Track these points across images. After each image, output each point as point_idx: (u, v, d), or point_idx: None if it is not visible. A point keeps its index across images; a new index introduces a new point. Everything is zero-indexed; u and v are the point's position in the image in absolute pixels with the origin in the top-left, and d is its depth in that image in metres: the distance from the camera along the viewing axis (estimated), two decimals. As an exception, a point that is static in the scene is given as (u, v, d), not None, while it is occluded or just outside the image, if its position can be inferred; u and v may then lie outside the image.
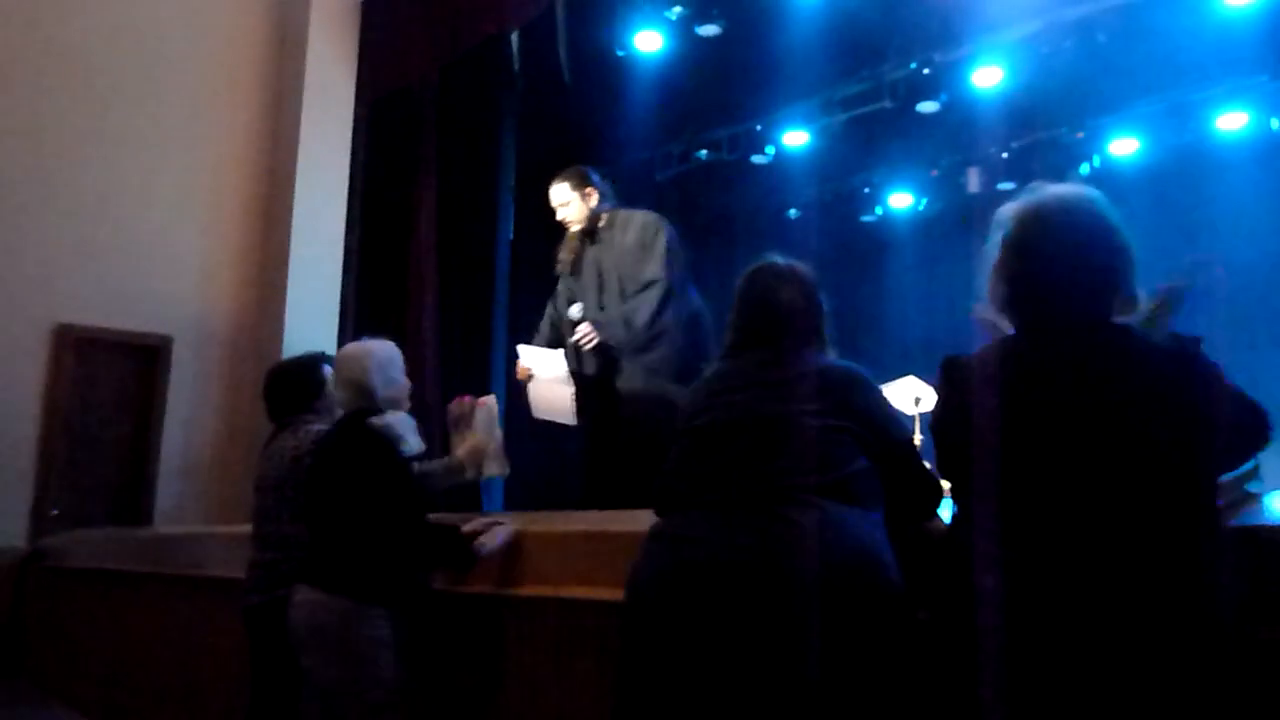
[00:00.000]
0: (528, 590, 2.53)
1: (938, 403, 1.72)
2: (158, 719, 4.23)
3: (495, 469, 3.27)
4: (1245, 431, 1.53)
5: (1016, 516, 1.45)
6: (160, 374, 6.21)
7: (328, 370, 3.08)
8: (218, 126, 6.56)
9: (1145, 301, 2.08)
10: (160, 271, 6.27)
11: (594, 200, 3.89)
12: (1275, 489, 1.98)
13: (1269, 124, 6.71)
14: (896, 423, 1.92)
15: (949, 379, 1.68)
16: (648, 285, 3.72)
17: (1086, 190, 1.66)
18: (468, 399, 3.40)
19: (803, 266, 2.08)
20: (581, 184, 3.89)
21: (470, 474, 3.11)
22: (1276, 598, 1.44)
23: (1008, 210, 1.68)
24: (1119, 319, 1.58)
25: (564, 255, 4.02)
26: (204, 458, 6.25)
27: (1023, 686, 1.37)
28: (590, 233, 3.93)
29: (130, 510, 6.11)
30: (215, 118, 6.55)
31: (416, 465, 2.90)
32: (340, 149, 6.60)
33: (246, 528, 3.83)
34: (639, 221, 3.85)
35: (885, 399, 1.96)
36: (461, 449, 3.10)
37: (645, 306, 3.68)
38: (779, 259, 2.09)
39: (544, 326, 4.06)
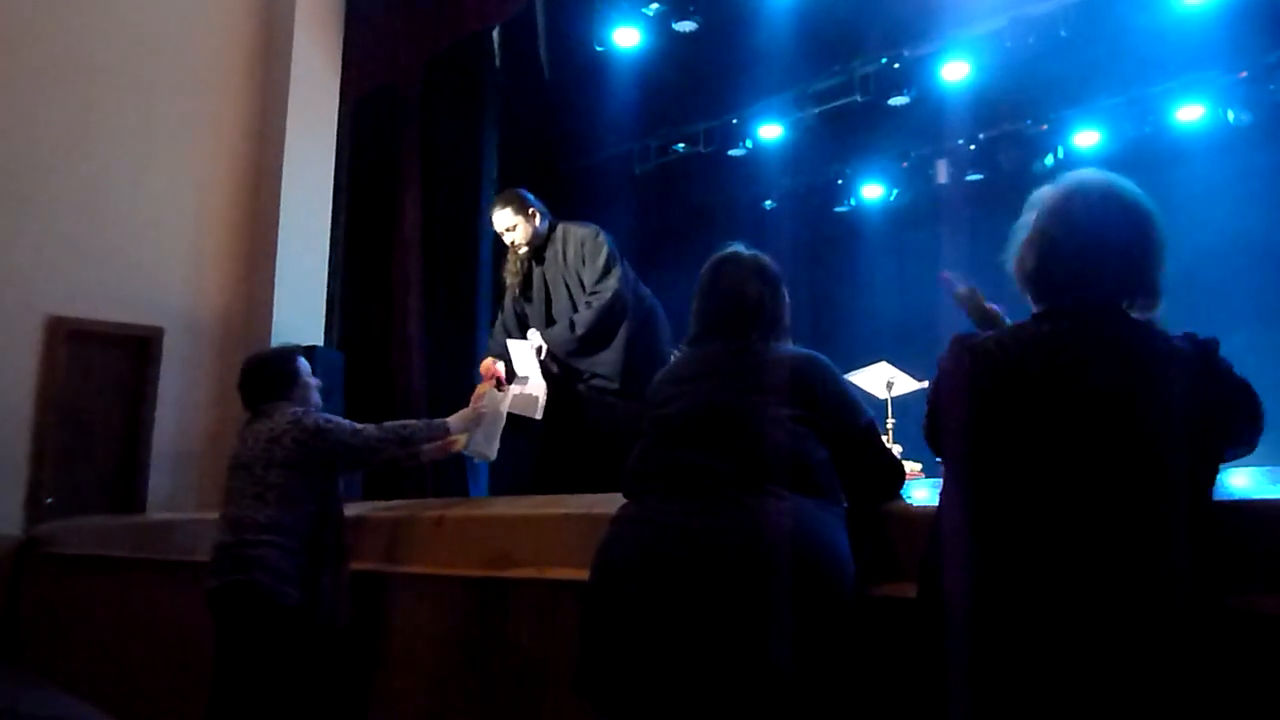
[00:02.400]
0: (514, 572, 2.56)
1: (942, 379, 1.68)
2: (153, 701, 4.29)
3: (484, 450, 3.38)
4: (1255, 425, 1.53)
5: (1014, 496, 1.46)
6: (151, 364, 6.30)
7: (302, 363, 3.16)
8: (205, 123, 6.64)
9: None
10: (150, 264, 6.36)
11: (537, 220, 3.92)
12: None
13: (1225, 116, 6.87)
14: (858, 407, 1.95)
15: (960, 357, 1.64)
16: (595, 294, 3.79)
17: (1124, 180, 1.63)
18: (495, 372, 3.51)
19: (766, 257, 2.09)
20: (523, 206, 3.91)
21: (456, 438, 3.20)
22: (1239, 569, 1.48)
23: (1047, 189, 1.66)
24: (1142, 311, 1.57)
25: (511, 279, 4.04)
26: (195, 445, 6.36)
27: (1011, 664, 1.38)
28: (536, 253, 3.97)
29: (124, 497, 6.20)
30: (203, 114, 6.64)
31: (399, 422, 3.02)
32: (325, 145, 6.68)
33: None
34: (578, 237, 3.90)
35: (847, 385, 1.99)
36: (456, 414, 3.22)
37: (591, 313, 3.75)
38: (743, 249, 2.09)
39: (493, 346, 4.02)
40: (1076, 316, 1.55)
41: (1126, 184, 1.61)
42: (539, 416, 3.66)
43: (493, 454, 3.42)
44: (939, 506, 1.63)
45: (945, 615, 1.47)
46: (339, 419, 3.01)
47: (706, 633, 1.65)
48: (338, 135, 6.75)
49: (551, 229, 3.98)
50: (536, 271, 4.00)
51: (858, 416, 1.94)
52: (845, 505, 1.86)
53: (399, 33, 6.51)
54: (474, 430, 3.27)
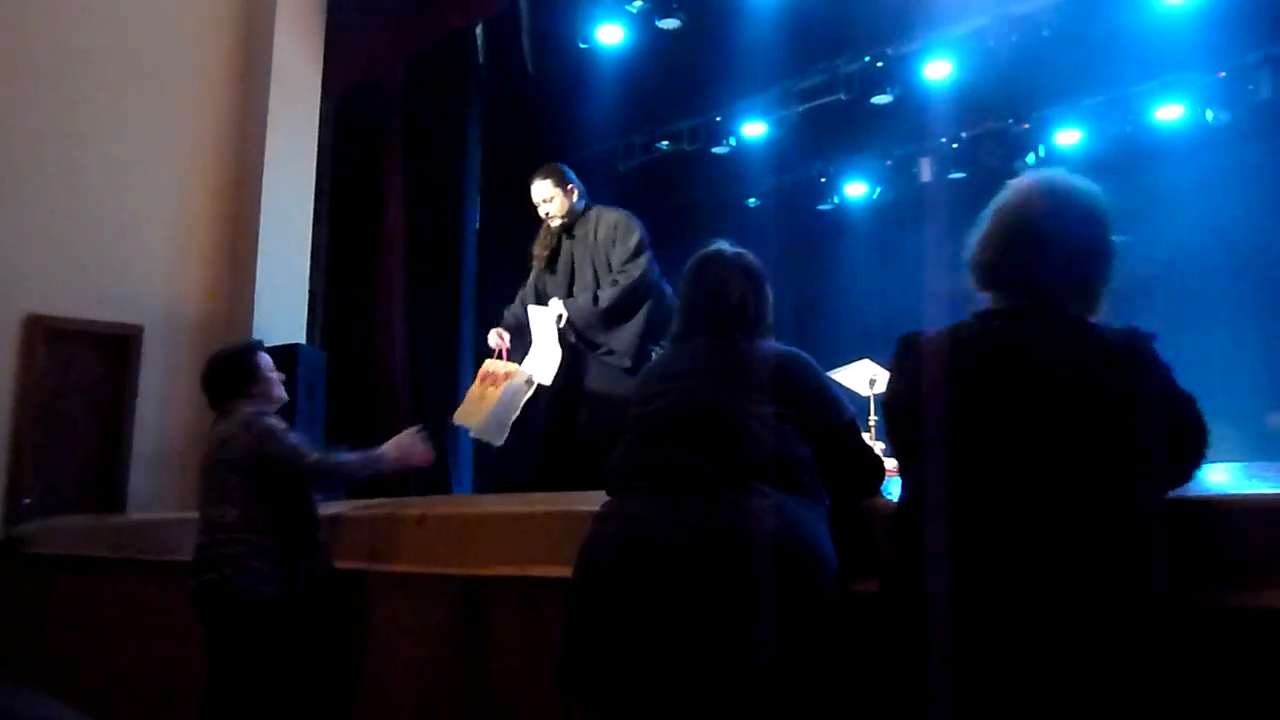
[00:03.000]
0: (497, 570, 2.56)
1: (891, 379, 1.72)
2: (133, 703, 4.26)
3: (493, 436, 3.42)
4: (1189, 438, 1.51)
5: (965, 496, 1.47)
6: (131, 363, 6.25)
7: (262, 356, 3.17)
8: (185, 120, 6.59)
9: None
10: (130, 263, 6.31)
11: (574, 196, 4.02)
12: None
13: (1204, 115, 6.95)
14: (839, 404, 1.96)
15: (906, 357, 1.68)
16: (623, 273, 3.85)
17: (1083, 183, 1.64)
18: (501, 359, 3.59)
19: (749, 255, 2.10)
20: (562, 180, 4.00)
21: (412, 455, 3.13)
22: (1207, 565, 1.52)
23: (1011, 185, 1.67)
24: (1084, 315, 1.58)
25: (540, 251, 4.11)
26: (176, 445, 6.30)
27: (968, 661, 1.40)
28: (568, 228, 4.04)
29: (104, 497, 6.13)
30: (183, 111, 6.58)
31: (334, 455, 2.99)
32: (307, 142, 6.63)
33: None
34: (611, 219, 3.99)
35: (829, 382, 2.01)
36: (390, 443, 3.12)
37: (615, 290, 3.81)
38: (727, 247, 2.11)
39: (507, 316, 4.13)
40: (1017, 315, 1.57)
41: (1086, 188, 1.63)
42: (549, 381, 3.72)
43: (500, 440, 3.47)
44: (899, 505, 1.65)
45: (912, 612, 1.48)
46: (287, 433, 2.98)
47: (691, 630, 1.66)
48: (320, 132, 6.71)
49: (586, 208, 4.07)
50: (565, 245, 4.07)
51: (839, 414, 1.95)
52: (827, 502, 1.87)
53: (381, 29, 6.48)
54: (489, 413, 3.29)
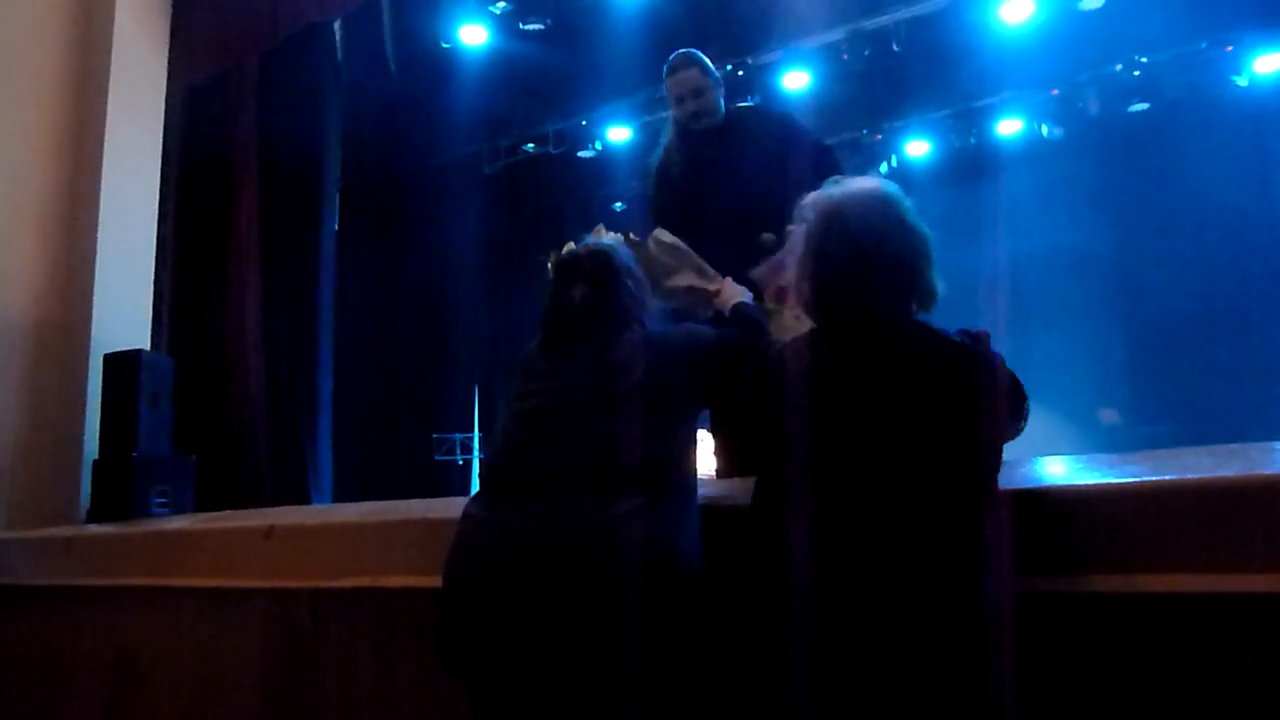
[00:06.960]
0: (350, 581, 2.50)
1: (747, 388, 1.73)
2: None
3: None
4: (1016, 412, 1.64)
5: (817, 504, 1.50)
6: (-48, 373, 5.79)
7: None
8: (14, 109, 6.14)
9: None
10: (-50, 263, 5.84)
11: (722, 91, 3.16)
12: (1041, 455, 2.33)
13: (1039, 130, 7.45)
14: (702, 333, 2.06)
15: (759, 367, 1.71)
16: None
17: (883, 185, 1.67)
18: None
19: (609, 249, 2.07)
20: (710, 70, 3.14)
21: None
22: (1046, 552, 1.61)
23: (809, 204, 1.69)
24: (920, 312, 1.64)
25: (675, 163, 3.28)
26: (5, 461, 5.88)
27: (823, 655, 1.43)
28: (720, 131, 3.15)
29: (-80, 518, 5.67)
30: (11, 100, 6.13)
31: None
32: (151, 136, 6.28)
33: (48, 532, 3.72)
34: (774, 115, 3.23)
35: (690, 328, 2.11)
36: None
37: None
38: (586, 245, 2.11)
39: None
40: (858, 329, 1.61)
41: (882, 193, 1.66)
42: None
43: None
44: (750, 511, 1.66)
45: (767, 612, 1.51)
46: None
47: (554, 635, 1.67)
48: (166, 126, 6.37)
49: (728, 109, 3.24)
50: (717, 150, 3.19)
51: (706, 340, 2.03)
52: (698, 493, 1.88)
53: (232, 20, 6.22)
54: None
